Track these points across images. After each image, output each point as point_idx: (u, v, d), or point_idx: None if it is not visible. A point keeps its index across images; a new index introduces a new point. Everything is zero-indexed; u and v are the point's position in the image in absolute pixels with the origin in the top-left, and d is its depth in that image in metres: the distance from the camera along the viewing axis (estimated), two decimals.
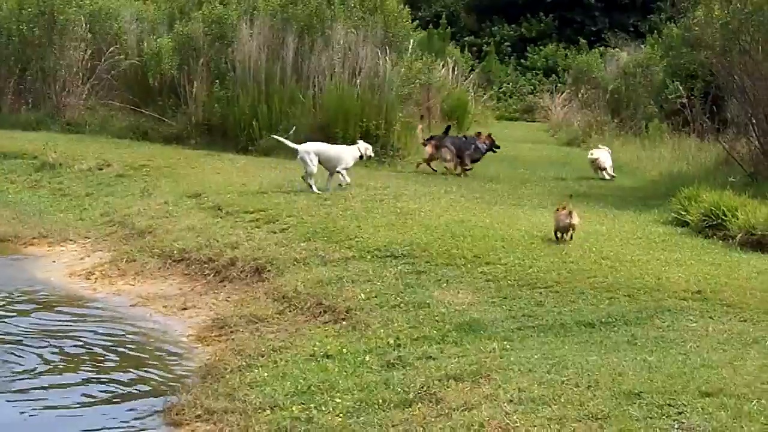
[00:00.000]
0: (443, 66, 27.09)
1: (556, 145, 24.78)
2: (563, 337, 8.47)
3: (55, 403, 8.17)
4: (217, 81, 20.72)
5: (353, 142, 15.52)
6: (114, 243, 13.65)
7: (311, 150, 14.56)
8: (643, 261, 10.76)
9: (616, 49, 31.95)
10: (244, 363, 8.66)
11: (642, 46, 30.86)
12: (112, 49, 22.42)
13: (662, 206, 14.37)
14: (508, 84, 37.05)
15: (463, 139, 18.33)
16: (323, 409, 7.34)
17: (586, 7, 40.00)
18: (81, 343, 9.80)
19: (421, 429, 6.83)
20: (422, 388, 7.42)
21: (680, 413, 6.54)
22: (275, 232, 12.55)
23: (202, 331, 10.20)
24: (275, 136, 15.99)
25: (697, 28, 17.54)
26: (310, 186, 14.44)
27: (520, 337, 8.48)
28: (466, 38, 39.48)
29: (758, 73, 16.23)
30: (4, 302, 11.22)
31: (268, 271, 11.31)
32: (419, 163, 18.17)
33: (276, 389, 7.82)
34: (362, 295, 9.93)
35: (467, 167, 17.78)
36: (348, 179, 14.74)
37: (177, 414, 7.80)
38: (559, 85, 33.53)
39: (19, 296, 11.55)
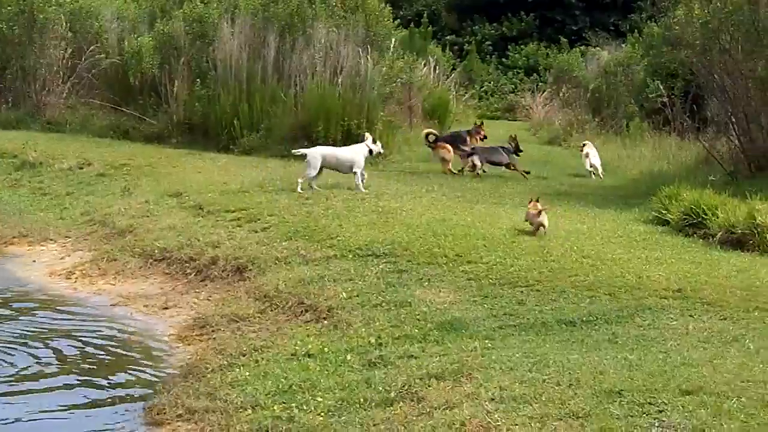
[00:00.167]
0: (424, 65, 27.07)
1: (538, 144, 24.77)
2: (544, 335, 8.48)
3: (33, 406, 8.10)
4: (198, 80, 20.71)
5: (355, 141, 15.56)
6: (94, 242, 13.61)
7: (317, 155, 14.72)
8: (623, 260, 10.80)
9: (597, 48, 32.03)
10: (225, 362, 8.65)
11: (623, 45, 30.91)
12: (92, 47, 22.33)
13: (643, 205, 14.41)
14: (490, 83, 37.04)
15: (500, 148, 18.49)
16: (304, 408, 7.33)
17: (567, 6, 40.04)
18: (61, 344, 9.76)
19: (403, 428, 6.83)
20: (404, 387, 7.42)
21: (661, 411, 6.57)
22: (256, 231, 12.54)
23: (183, 330, 10.18)
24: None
25: (677, 28, 17.59)
26: (311, 187, 14.56)
27: (502, 336, 8.49)
28: (448, 37, 39.47)
29: (738, 72, 16.31)
30: None
31: (250, 270, 11.29)
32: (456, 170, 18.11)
33: (257, 388, 7.81)
34: (344, 294, 9.93)
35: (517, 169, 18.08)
36: (361, 181, 14.75)
37: (158, 413, 7.78)
38: (540, 84, 33.51)
39: None
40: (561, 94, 29.43)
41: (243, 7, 21.06)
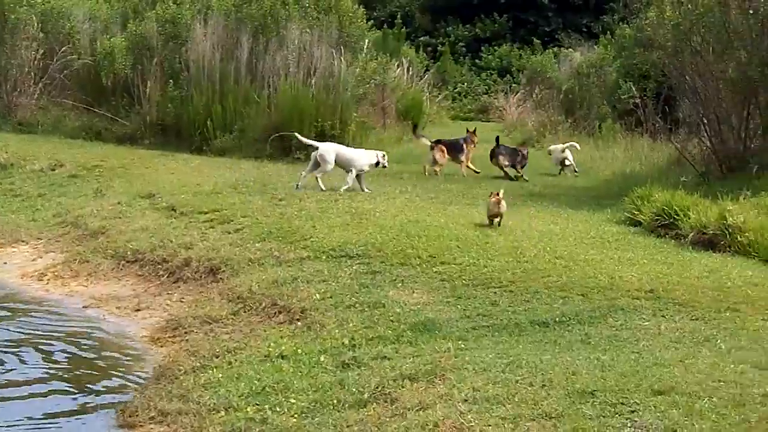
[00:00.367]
0: (398, 66, 27.05)
1: (511, 145, 24.80)
2: (518, 336, 8.50)
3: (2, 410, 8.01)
4: (170, 81, 20.65)
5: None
6: (67, 244, 13.54)
7: (331, 150, 14.82)
8: (596, 260, 10.83)
9: (570, 50, 32.08)
10: (198, 364, 8.62)
11: (595, 46, 30.98)
12: (64, 48, 22.19)
13: (615, 206, 14.46)
14: (463, 84, 37.02)
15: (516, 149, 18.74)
16: (278, 409, 7.32)
17: (540, 7, 40.10)
18: (32, 345, 9.70)
19: (376, 429, 6.83)
20: (377, 388, 7.42)
21: (633, 411, 6.59)
22: (230, 233, 12.51)
23: (155, 332, 10.14)
24: (298, 135, 15.94)
25: (649, 29, 17.67)
26: (318, 182, 14.69)
27: (475, 337, 8.50)
28: (421, 38, 39.44)
29: (709, 74, 16.38)
30: None
31: (223, 271, 11.26)
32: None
33: (230, 390, 7.79)
34: (317, 295, 9.92)
35: (519, 174, 18.33)
36: (351, 183, 14.85)
37: (130, 416, 7.75)
38: (513, 85, 33.56)
39: None
40: (534, 96, 29.47)
41: (216, 8, 21.03)
